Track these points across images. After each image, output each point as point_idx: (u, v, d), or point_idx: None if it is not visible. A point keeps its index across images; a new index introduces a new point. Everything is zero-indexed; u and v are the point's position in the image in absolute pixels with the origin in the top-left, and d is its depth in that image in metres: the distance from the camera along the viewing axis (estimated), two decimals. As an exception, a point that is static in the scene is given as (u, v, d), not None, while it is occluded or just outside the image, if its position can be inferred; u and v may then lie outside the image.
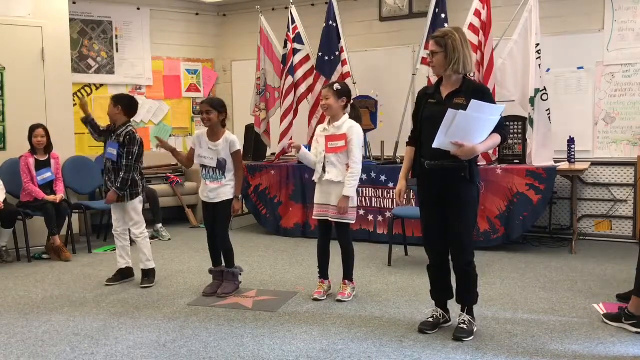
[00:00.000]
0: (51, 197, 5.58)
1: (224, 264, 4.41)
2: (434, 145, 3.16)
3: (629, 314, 3.43)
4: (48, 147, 5.72)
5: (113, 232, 4.70)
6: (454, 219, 3.30)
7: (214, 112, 4.16)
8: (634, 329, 3.39)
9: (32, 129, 5.65)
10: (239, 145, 4.30)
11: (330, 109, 4.00)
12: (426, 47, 5.37)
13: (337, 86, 4.03)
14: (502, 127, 3.25)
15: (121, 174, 4.47)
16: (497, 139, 3.23)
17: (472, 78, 5.47)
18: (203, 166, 4.26)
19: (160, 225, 6.53)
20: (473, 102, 3.07)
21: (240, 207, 4.48)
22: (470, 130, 3.10)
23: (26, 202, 5.58)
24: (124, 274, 4.68)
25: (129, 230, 4.67)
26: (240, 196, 4.39)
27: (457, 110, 3.07)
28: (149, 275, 4.59)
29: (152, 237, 6.34)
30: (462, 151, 3.11)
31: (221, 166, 4.22)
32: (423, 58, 5.90)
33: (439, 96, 3.30)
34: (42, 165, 5.67)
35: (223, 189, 4.24)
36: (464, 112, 3.06)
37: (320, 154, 4.08)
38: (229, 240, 4.36)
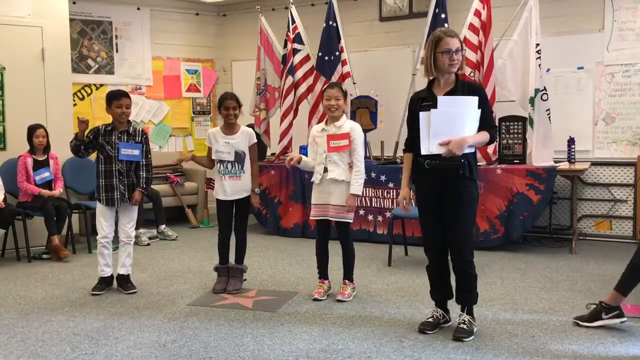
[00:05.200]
0: (47, 191, 5.57)
1: (230, 261, 4.43)
2: (422, 152, 3.20)
3: (606, 306, 3.43)
4: (46, 147, 5.73)
5: (102, 239, 4.35)
6: (453, 218, 3.30)
7: (238, 108, 4.29)
8: (618, 320, 3.41)
9: (33, 129, 5.65)
10: (255, 139, 4.40)
11: (340, 108, 4.03)
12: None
13: (344, 87, 4.09)
14: (491, 126, 3.28)
15: (143, 173, 4.38)
16: (485, 135, 3.24)
17: (472, 78, 5.52)
18: (220, 161, 4.29)
19: (164, 226, 6.52)
20: (440, 98, 3.15)
21: (259, 201, 4.46)
22: (452, 126, 3.14)
23: (24, 202, 5.59)
24: (109, 282, 4.47)
25: (118, 232, 4.43)
26: (257, 190, 4.41)
27: (428, 110, 3.13)
28: (130, 279, 4.46)
29: (152, 238, 6.35)
30: (452, 145, 3.12)
31: (240, 159, 4.27)
32: (423, 58, 5.88)
33: (433, 97, 3.29)
34: (40, 165, 5.68)
35: (242, 185, 4.30)
36: (436, 110, 3.12)
37: (320, 155, 4.09)
38: (246, 237, 4.44)
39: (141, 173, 4.39)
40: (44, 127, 5.70)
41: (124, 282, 4.43)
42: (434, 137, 3.14)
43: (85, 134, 4.32)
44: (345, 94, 4.06)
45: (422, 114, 3.16)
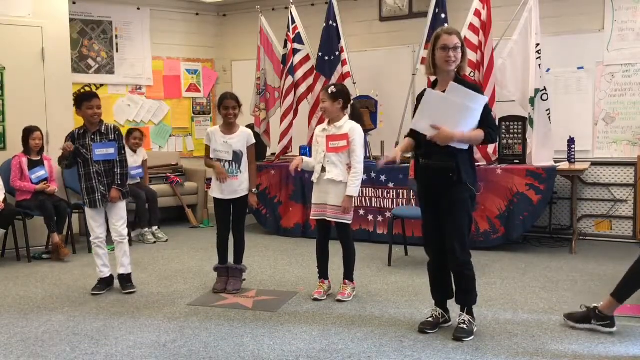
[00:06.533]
0: (42, 186, 5.58)
1: (229, 261, 4.43)
2: (411, 126, 3.26)
3: (599, 314, 3.40)
4: (41, 150, 5.76)
5: (95, 240, 4.37)
6: (444, 219, 3.32)
7: (238, 108, 4.30)
8: (607, 329, 3.38)
9: (30, 131, 5.66)
10: (254, 140, 4.41)
11: (327, 111, 4.03)
12: (426, 47, 5.37)
13: (332, 89, 4.03)
14: (490, 126, 3.25)
15: (117, 170, 4.36)
16: (480, 134, 3.22)
17: (473, 79, 5.51)
18: (218, 160, 4.30)
19: (156, 227, 6.48)
20: (451, 84, 3.15)
21: (257, 201, 4.48)
22: (449, 115, 3.15)
23: (22, 200, 5.59)
24: (108, 282, 4.48)
25: (110, 232, 4.41)
26: (255, 190, 4.42)
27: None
28: (131, 279, 4.45)
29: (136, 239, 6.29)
30: (439, 135, 3.15)
31: (238, 159, 4.28)
32: (423, 58, 5.89)
33: None
34: (35, 165, 5.70)
35: (240, 185, 4.30)
36: (441, 94, 3.14)
37: (320, 154, 4.09)
38: (244, 237, 4.44)
39: (116, 170, 4.36)
40: (40, 129, 5.72)
41: (125, 282, 4.42)
42: (428, 118, 3.18)
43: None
44: (335, 95, 3.98)
45: (428, 90, 3.20)
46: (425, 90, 3.42)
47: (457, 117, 3.16)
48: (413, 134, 3.44)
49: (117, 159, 4.37)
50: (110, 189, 4.34)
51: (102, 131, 4.35)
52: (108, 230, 4.44)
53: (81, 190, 4.40)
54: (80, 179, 4.37)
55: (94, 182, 4.32)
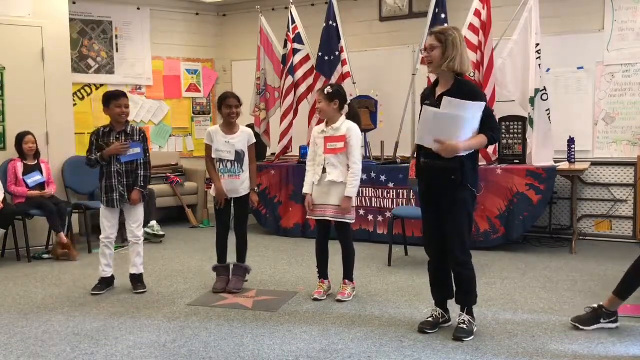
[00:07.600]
0: (34, 192, 5.57)
1: (229, 260, 4.44)
2: (416, 142, 3.31)
3: (606, 312, 3.43)
4: (36, 154, 5.76)
5: (104, 239, 4.36)
6: (445, 219, 3.33)
7: (240, 107, 4.31)
8: (614, 325, 3.43)
9: (22, 136, 5.68)
10: (254, 139, 4.42)
11: (324, 112, 4.04)
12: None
13: (327, 89, 4.03)
14: (492, 129, 3.26)
15: (141, 172, 4.35)
16: (482, 139, 3.23)
17: (473, 79, 5.51)
18: (220, 160, 4.30)
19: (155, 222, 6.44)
20: (445, 98, 3.16)
21: (258, 199, 4.52)
22: (448, 127, 3.16)
23: (18, 204, 5.59)
24: (109, 282, 4.48)
25: (127, 232, 4.46)
26: (256, 189, 4.43)
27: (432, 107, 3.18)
28: (142, 279, 4.46)
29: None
30: (444, 149, 3.16)
31: (240, 158, 4.29)
32: (423, 58, 5.89)
33: (432, 98, 3.33)
34: (31, 170, 5.69)
35: (241, 184, 4.32)
36: (436, 110, 3.16)
37: (320, 156, 4.09)
38: (247, 236, 4.44)
39: (139, 172, 4.37)
40: (32, 133, 5.72)
41: (135, 281, 4.43)
42: (429, 133, 3.20)
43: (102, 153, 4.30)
44: (330, 95, 3.97)
45: (425, 108, 3.23)
46: (424, 94, 3.44)
47: (456, 128, 3.17)
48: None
49: (142, 161, 4.37)
50: (130, 189, 4.33)
51: (128, 132, 4.36)
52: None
53: (100, 188, 4.40)
54: (100, 177, 4.37)
55: (113, 180, 4.31)
